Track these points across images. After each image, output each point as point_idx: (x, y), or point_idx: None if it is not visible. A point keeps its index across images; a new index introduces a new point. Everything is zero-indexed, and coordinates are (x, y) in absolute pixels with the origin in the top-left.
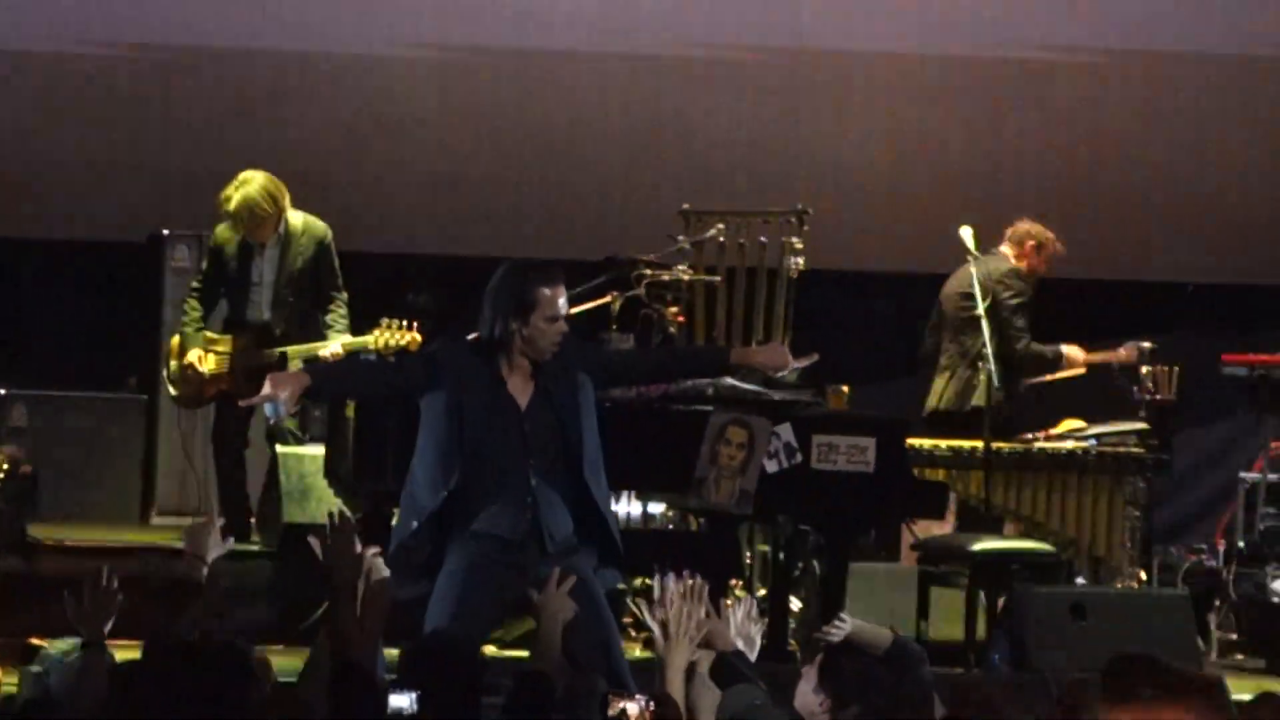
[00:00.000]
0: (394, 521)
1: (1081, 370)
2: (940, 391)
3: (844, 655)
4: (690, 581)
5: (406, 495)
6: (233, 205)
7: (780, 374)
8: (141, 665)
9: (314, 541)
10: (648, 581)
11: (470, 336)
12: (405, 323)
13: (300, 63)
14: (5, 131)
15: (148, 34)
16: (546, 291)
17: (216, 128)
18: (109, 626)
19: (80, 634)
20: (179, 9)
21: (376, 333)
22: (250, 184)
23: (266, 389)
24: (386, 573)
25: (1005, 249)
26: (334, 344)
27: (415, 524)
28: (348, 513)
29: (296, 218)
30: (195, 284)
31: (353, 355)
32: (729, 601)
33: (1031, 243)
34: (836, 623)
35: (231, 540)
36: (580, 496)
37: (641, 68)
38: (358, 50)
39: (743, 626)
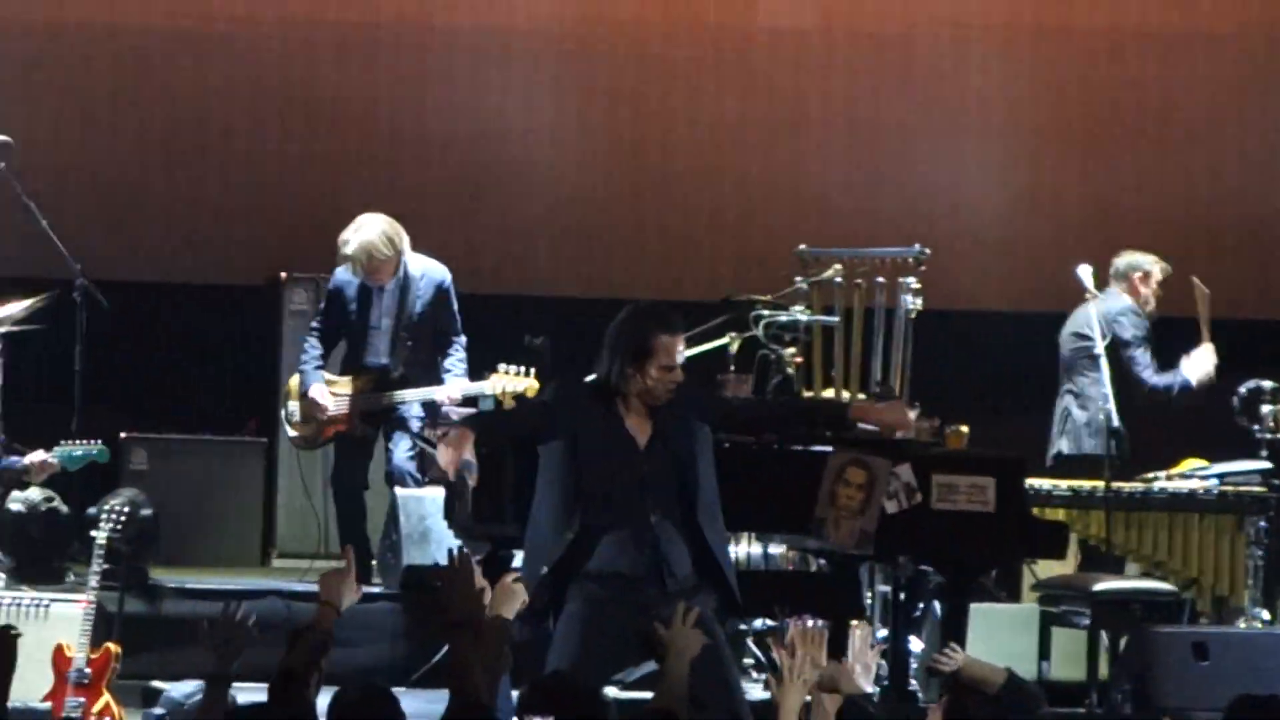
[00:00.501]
0: (514, 564)
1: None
2: (1060, 433)
3: (969, 696)
4: (809, 624)
5: (529, 540)
6: (351, 248)
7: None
8: (265, 708)
9: (435, 577)
10: (768, 622)
11: (588, 378)
12: (522, 369)
13: (418, 107)
14: (126, 174)
15: (266, 81)
16: (664, 339)
17: (336, 171)
18: (237, 663)
19: (209, 665)
20: (298, 60)
21: (494, 378)
22: (368, 227)
23: (449, 454)
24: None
25: (1116, 287)
26: (451, 388)
27: (545, 569)
28: (467, 550)
29: (416, 261)
30: (314, 325)
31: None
32: (855, 624)
33: (1138, 274)
34: (948, 652)
35: (363, 588)
36: (696, 539)
37: (758, 109)
38: (475, 96)
39: (860, 653)
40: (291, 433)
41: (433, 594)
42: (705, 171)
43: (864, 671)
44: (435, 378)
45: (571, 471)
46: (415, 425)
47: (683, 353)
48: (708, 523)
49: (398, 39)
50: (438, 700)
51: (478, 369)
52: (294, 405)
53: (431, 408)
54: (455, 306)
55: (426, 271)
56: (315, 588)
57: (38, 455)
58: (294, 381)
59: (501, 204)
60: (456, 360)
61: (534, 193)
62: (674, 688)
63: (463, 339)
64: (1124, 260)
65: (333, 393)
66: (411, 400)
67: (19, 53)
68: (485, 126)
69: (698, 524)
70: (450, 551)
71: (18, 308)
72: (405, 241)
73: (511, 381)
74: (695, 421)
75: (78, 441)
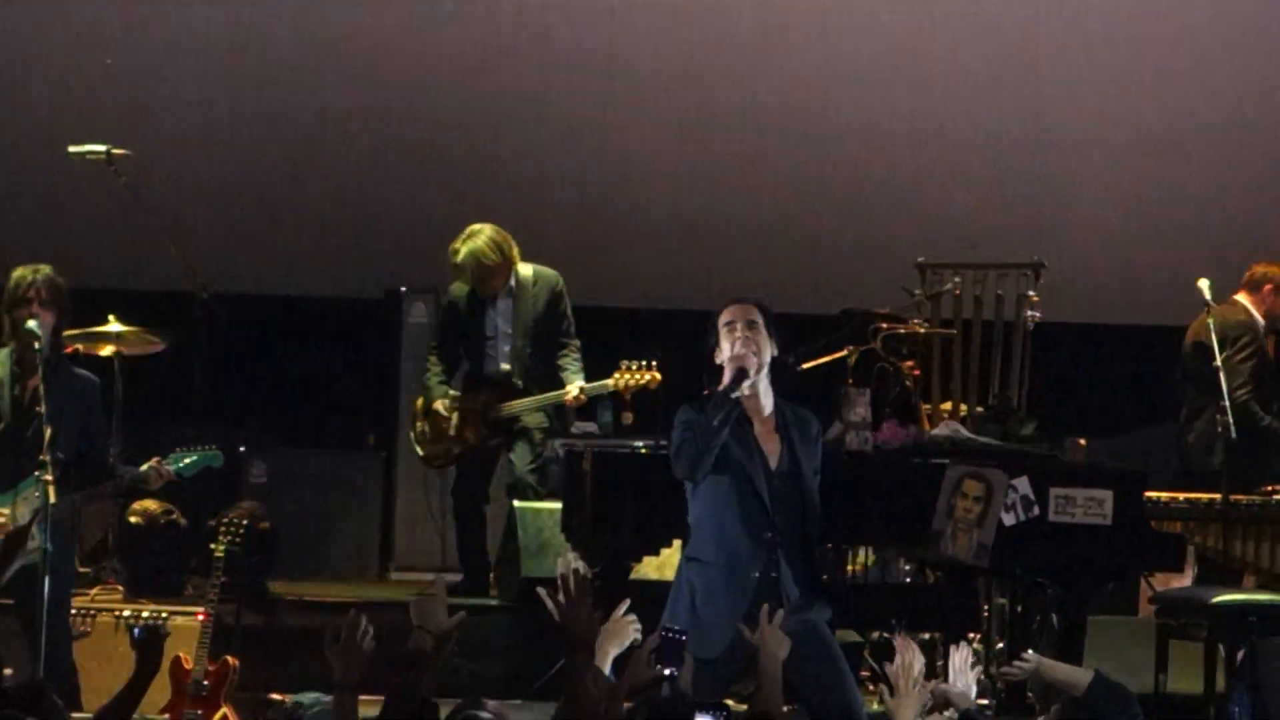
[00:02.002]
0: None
1: None
2: (1187, 445)
3: (1080, 709)
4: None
5: (688, 555)
6: (460, 257)
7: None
8: None
9: (543, 593)
10: (885, 635)
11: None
12: (644, 363)
13: (537, 120)
14: (247, 188)
15: (387, 97)
16: (722, 312)
17: (456, 186)
18: (359, 674)
19: (333, 674)
20: (419, 76)
21: (617, 375)
22: (478, 236)
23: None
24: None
25: (1242, 296)
26: (573, 388)
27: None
28: (584, 569)
29: (527, 269)
30: (434, 343)
31: None
32: (954, 646)
33: (1269, 285)
34: (1018, 662)
35: (463, 614)
36: (808, 556)
37: (877, 122)
38: (593, 109)
39: (961, 672)
40: (420, 452)
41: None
42: (824, 184)
43: (965, 689)
44: (556, 383)
45: (721, 485)
46: (539, 435)
47: (745, 316)
48: (813, 537)
49: (518, 56)
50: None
51: (594, 378)
52: (421, 424)
53: (556, 412)
54: (569, 309)
55: (539, 277)
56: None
57: (151, 463)
58: (419, 402)
59: (618, 218)
60: (572, 360)
61: (651, 207)
62: (770, 691)
63: (577, 342)
64: (1262, 269)
65: (458, 408)
66: (535, 407)
67: (141, 67)
68: (603, 142)
69: (810, 541)
70: (563, 576)
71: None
72: (514, 250)
73: (633, 377)
74: (812, 441)
75: (193, 447)
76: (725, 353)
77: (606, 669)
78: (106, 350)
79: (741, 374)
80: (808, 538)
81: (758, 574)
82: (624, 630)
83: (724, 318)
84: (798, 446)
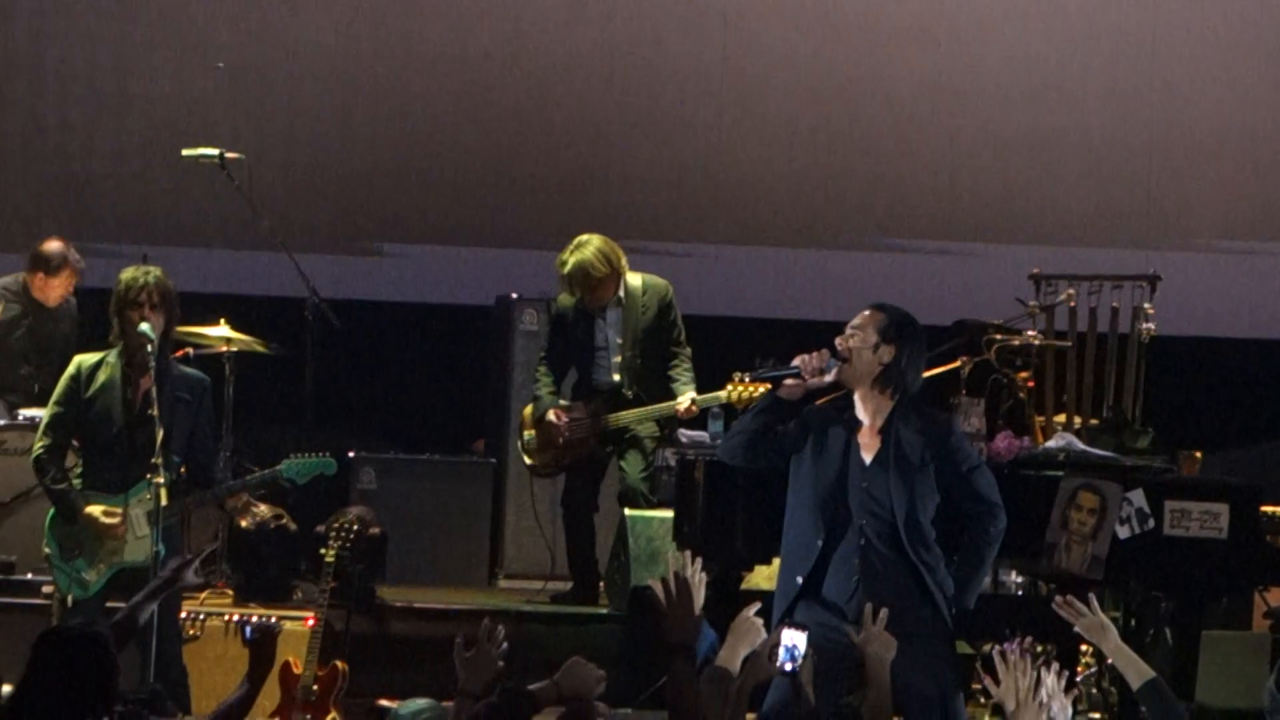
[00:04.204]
0: (741, 585)
1: None
2: None
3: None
4: (1037, 648)
5: (784, 549)
6: (568, 269)
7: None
8: None
9: (656, 586)
10: (998, 647)
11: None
12: (754, 378)
13: (650, 127)
14: (357, 192)
15: (499, 102)
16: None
17: (570, 193)
18: (485, 684)
19: (459, 681)
20: (531, 82)
21: (730, 387)
22: (585, 247)
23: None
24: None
25: None
26: (685, 399)
27: (799, 579)
28: (688, 573)
29: (636, 278)
30: (543, 353)
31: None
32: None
33: None
34: (1074, 602)
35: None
36: (907, 560)
37: (991, 131)
38: (706, 115)
39: (1055, 695)
40: (529, 461)
41: (657, 616)
42: (937, 194)
43: (1060, 711)
44: (667, 393)
45: (813, 483)
46: (650, 444)
47: (857, 320)
48: (917, 544)
49: (631, 63)
50: None
51: (706, 389)
52: (530, 434)
53: (668, 423)
54: (679, 318)
55: (648, 286)
56: (543, 609)
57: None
58: (528, 411)
59: (728, 228)
60: (684, 370)
61: (760, 214)
62: (878, 696)
63: (688, 350)
64: None
65: (568, 417)
66: (646, 418)
67: (252, 70)
68: (714, 151)
69: (910, 545)
70: (664, 578)
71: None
72: (623, 260)
73: (746, 390)
74: (932, 444)
75: (306, 454)
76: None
77: (736, 668)
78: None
79: (793, 369)
80: (913, 541)
81: (851, 575)
82: (753, 630)
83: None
84: (908, 450)
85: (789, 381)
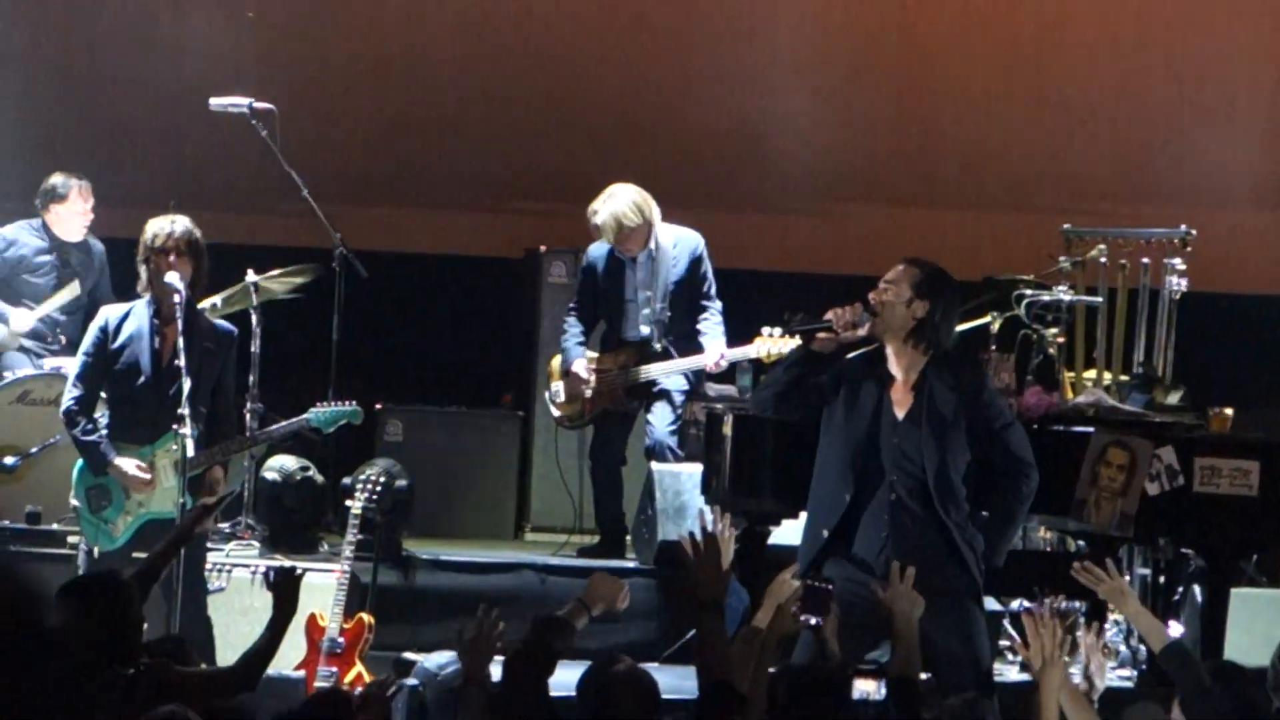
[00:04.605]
0: (769, 541)
1: None
2: None
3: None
4: (1062, 605)
5: (813, 500)
6: (600, 218)
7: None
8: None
9: (684, 542)
10: (1025, 604)
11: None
12: (786, 331)
13: (680, 77)
14: (387, 144)
15: (529, 56)
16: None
17: (597, 145)
18: (490, 667)
19: (464, 670)
20: (562, 37)
21: (759, 341)
22: (617, 197)
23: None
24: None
25: None
26: (712, 354)
27: (825, 533)
28: (717, 529)
29: (667, 231)
30: (571, 304)
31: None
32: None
33: None
34: (1091, 569)
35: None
36: (937, 518)
37: (1019, 87)
38: (737, 70)
39: (1091, 652)
40: (556, 412)
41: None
42: (966, 149)
43: (1097, 670)
44: (696, 346)
45: (844, 437)
46: (679, 398)
47: (891, 274)
48: (947, 502)
49: (664, 17)
50: (691, 676)
51: (736, 343)
52: (557, 385)
53: (695, 376)
54: (709, 270)
55: (679, 239)
56: (569, 561)
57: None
58: (556, 361)
59: (758, 179)
60: (714, 324)
61: (792, 169)
62: (907, 652)
63: (718, 303)
64: None
65: (596, 369)
66: (675, 371)
67: (281, 21)
68: (745, 101)
69: (940, 501)
70: (692, 534)
71: (279, 282)
72: (655, 211)
73: (776, 344)
74: (965, 400)
75: (332, 403)
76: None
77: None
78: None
79: (825, 323)
80: (944, 498)
81: (881, 532)
82: (789, 592)
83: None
84: (941, 406)
85: (821, 335)
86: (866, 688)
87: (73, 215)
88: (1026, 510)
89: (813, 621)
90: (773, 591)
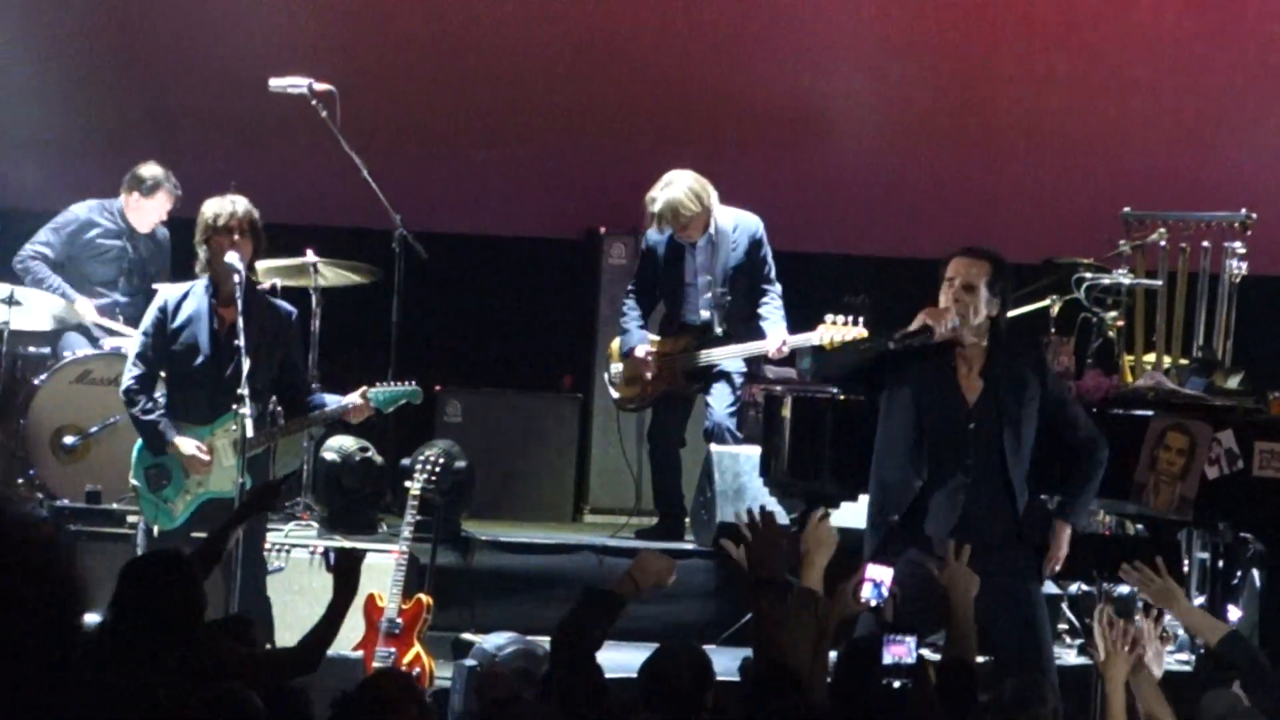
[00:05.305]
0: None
1: None
2: None
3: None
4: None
5: (876, 483)
6: (658, 206)
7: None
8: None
9: (727, 544)
10: (1084, 587)
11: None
12: (850, 318)
13: (742, 61)
14: (446, 125)
15: (587, 35)
16: (950, 260)
17: (656, 126)
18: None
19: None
20: (620, 16)
21: (821, 328)
22: (675, 184)
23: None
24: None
25: None
26: (773, 340)
27: (895, 517)
28: (773, 512)
29: (726, 214)
30: (630, 287)
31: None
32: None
33: None
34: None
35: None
36: (1009, 500)
37: (1080, 68)
38: (795, 53)
39: (1150, 640)
40: (615, 395)
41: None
42: (1027, 131)
43: (1155, 657)
44: (757, 330)
45: (915, 422)
46: (738, 380)
47: (965, 276)
48: (1019, 484)
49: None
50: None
51: (797, 327)
52: (616, 367)
53: (755, 361)
54: (769, 254)
55: (739, 223)
56: (628, 543)
57: (353, 397)
58: (615, 344)
59: (819, 163)
60: (774, 309)
61: (851, 152)
62: (962, 632)
63: (778, 287)
64: None
65: (655, 352)
66: (735, 356)
67: (340, 2)
68: (804, 84)
69: (1012, 485)
70: (750, 511)
71: (336, 272)
72: (713, 196)
73: (839, 331)
74: (1031, 383)
75: (392, 383)
76: (941, 302)
77: (817, 583)
78: (305, 283)
79: (925, 331)
80: (1017, 481)
81: (954, 512)
82: (828, 537)
83: (948, 269)
84: (1011, 391)
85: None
86: (897, 652)
87: (153, 209)
88: (1101, 477)
89: (874, 604)
90: (808, 539)
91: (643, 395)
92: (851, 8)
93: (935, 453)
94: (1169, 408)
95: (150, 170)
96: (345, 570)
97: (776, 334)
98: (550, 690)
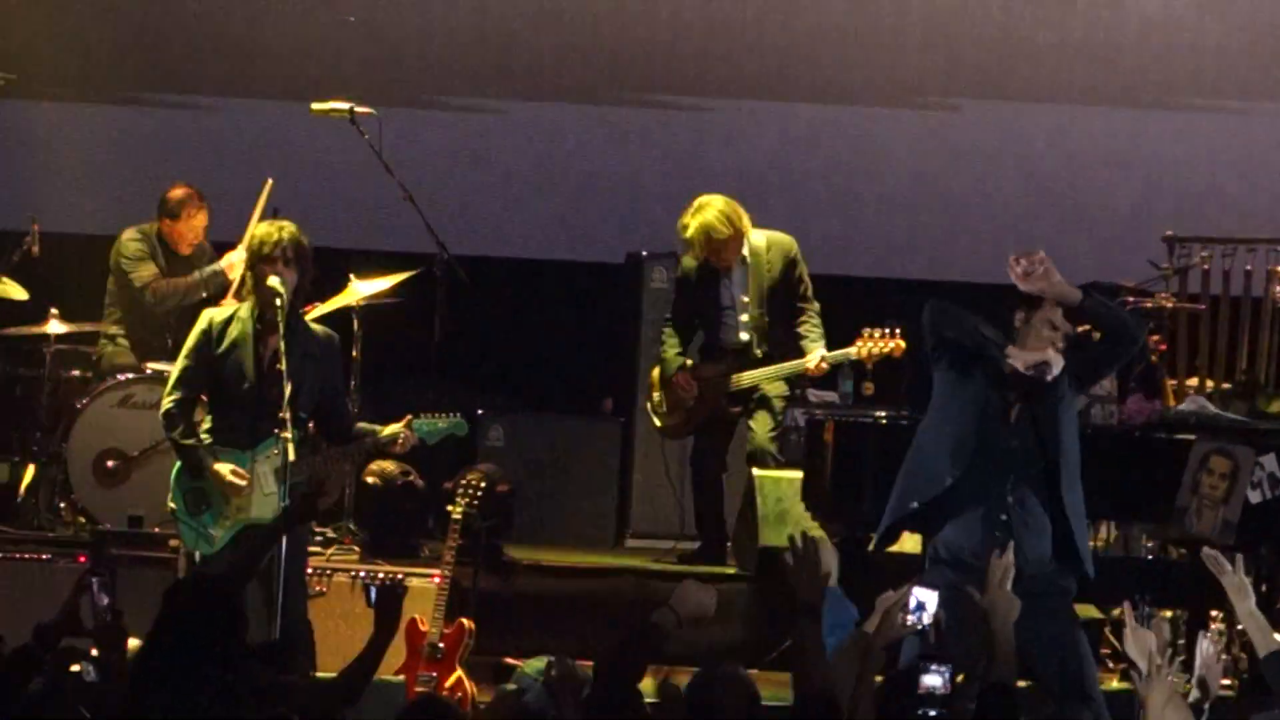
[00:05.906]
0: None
1: None
2: None
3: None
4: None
5: (911, 465)
6: (690, 232)
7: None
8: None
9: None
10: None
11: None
12: (889, 330)
13: (778, 86)
14: (486, 148)
15: (627, 52)
16: (1051, 310)
17: (697, 149)
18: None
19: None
20: (660, 29)
21: (860, 343)
22: (707, 209)
23: None
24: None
25: None
26: (814, 357)
27: (915, 504)
28: (815, 536)
29: (760, 236)
30: (668, 314)
31: None
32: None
33: None
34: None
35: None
36: (1058, 513)
37: (1124, 91)
38: (834, 75)
39: (1207, 664)
40: (659, 423)
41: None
42: (1069, 153)
43: (1213, 679)
44: (795, 350)
45: (967, 422)
46: (780, 404)
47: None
48: (1069, 492)
49: (762, 27)
50: (789, 684)
51: (834, 347)
52: (659, 396)
53: (797, 382)
54: (805, 273)
55: (773, 244)
56: (670, 568)
57: (397, 427)
58: (656, 372)
59: (851, 182)
60: (812, 326)
61: (888, 172)
62: (1004, 656)
63: (816, 305)
64: None
65: (697, 378)
66: (776, 376)
67: (383, 25)
68: (843, 109)
69: (1060, 496)
70: (792, 537)
71: (380, 285)
72: (745, 220)
73: (878, 345)
74: (1066, 387)
75: (437, 415)
76: (1045, 341)
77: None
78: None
79: (1043, 369)
80: (1069, 483)
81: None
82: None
83: (1050, 312)
84: (1058, 392)
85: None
86: (932, 682)
87: (186, 230)
88: (1119, 319)
89: (920, 626)
90: (884, 603)
91: (686, 422)
92: (890, 39)
93: (976, 459)
94: (1212, 432)
95: (174, 192)
96: (386, 606)
97: (815, 351)
98: (591, 717)
